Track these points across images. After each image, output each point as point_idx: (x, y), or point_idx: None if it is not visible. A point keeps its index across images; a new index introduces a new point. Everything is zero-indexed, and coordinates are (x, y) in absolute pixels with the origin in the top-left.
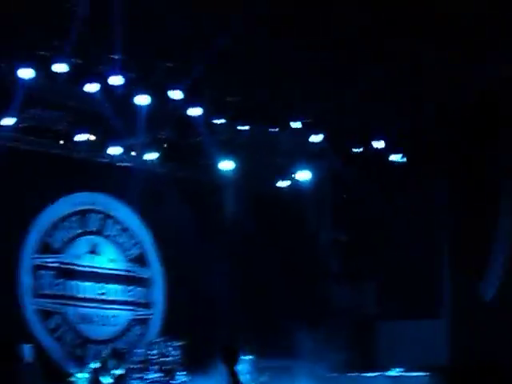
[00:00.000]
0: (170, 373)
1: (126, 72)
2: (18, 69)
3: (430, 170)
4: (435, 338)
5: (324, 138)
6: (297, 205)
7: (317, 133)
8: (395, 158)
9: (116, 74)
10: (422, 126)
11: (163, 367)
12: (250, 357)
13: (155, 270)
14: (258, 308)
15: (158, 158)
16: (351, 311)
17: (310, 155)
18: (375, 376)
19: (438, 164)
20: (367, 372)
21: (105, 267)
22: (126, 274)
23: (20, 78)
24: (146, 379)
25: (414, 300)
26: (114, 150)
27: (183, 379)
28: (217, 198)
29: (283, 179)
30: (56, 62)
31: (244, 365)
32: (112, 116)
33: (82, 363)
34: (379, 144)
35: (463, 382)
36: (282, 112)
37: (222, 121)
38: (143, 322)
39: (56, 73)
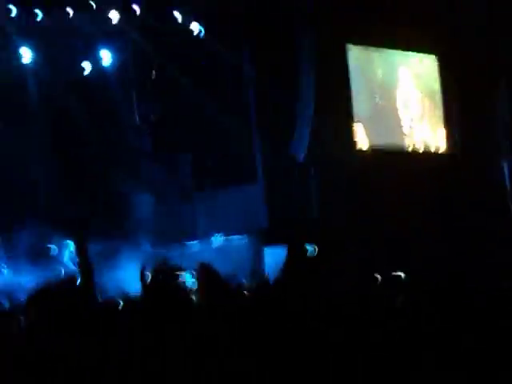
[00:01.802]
0: None
1: None
2: None
3: (230, 42)
4: (253, 203)
5: (122, 17)
6: (103, 87)
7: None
8: (196, 29)
9: None
10: None
11: None
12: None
13: None
14: (75, 196)
15: None
16: (168, 185)
17: (110, 35)
18: (201, 249)
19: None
20: (190, 244)
21: None
22: None
23: None
24: None
25: (228, 169)
26: None
27: (4, 272)
28: (21, 93)
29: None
30: None
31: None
32: None
33: None
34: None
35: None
36: None
37: (15, 9)
38: None
39: None
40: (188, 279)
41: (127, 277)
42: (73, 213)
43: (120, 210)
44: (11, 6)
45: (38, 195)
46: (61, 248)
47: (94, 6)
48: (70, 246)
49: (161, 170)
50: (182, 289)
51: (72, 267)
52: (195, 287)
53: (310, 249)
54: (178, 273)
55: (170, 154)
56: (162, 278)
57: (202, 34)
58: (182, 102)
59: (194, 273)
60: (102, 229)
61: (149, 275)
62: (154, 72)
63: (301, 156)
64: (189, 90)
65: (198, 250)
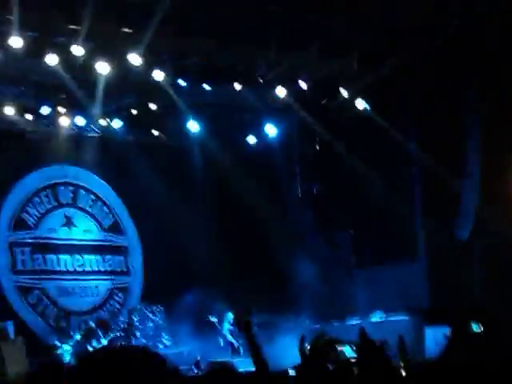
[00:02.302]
0: (152, 338)
1: (85, 41)
2: None
3: (395, 118)
4: (413, 280)
5: (288, 93)
6: (266, 161)
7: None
8: (361, 105)
9: (75, 43)
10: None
11: (146, 333)
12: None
13: (131, 238)
14: (236, 267)
15: (123, 125)
16: (330, 260)
17: (276, 110)
18: (359, 323)
19: (403, 112)
20: (349, 320)
21: (81, 238)
22: (103, 243)
23: None
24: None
25: (389, 246)
26: (80, 121)
27: (167, 343)
28: (186, 161)
29: (250, 136)
30: (13, 36)
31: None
32: (74, 87)
33: (65, 336)
34: (344, 94)
35: (443, 322)
36: (245, 69)
37: (184, 83)
38: (123, 290)
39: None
40: (347, 352)
41: (285, 350)
42: (235, 285)
43: (282, 283)
44: (180, 81)
45: (201, 265)
46: (221, 319)
47: (261, 82)
48: (230, 317)
49: (322, 245)
50: (342, 360)
51: (230, 338)
52: (354, 359)
53: (475, 327)
54: (337, 345)
55: (331, 230)
56: (321, 349)
57: (368, 110)
58: (344, 177)
59: (354, 347)
60: (263, 302)
61: (307, 346)
62: (317, 147)
63: (465, 234)
64: (351, 166)
65: (357, 325)
